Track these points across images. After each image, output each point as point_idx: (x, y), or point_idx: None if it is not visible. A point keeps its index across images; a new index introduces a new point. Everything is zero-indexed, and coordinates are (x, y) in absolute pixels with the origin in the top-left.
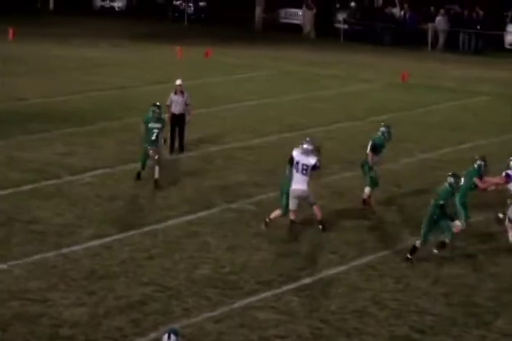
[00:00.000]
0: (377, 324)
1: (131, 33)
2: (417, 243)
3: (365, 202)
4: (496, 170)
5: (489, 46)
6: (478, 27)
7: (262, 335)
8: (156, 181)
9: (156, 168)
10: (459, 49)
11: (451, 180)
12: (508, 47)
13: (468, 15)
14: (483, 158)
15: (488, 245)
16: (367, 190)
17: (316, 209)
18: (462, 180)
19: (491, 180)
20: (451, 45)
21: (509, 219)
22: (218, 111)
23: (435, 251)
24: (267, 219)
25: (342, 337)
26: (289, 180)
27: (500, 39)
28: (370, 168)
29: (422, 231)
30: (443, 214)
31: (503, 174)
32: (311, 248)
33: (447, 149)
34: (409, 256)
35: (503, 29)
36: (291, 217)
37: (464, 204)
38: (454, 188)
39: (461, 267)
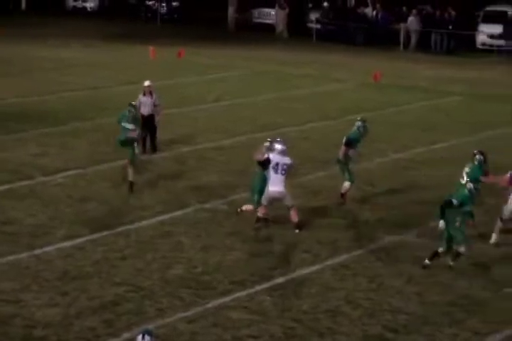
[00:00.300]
0: (350, 323)
1: (104, 33)
2: (461, 249)
3: (343, 195)
4: None
5: (461, 46)
6: (450, 27)
7: (235, 335)
8: (131, 184)
9: (130, 170)
10: (431, 49)
11: (470, 185)
12: (479, 47)
13: (440, 16)
14: (481, 152)
15: None
16: (346, 184)
17: (293, 212)
18: (465, 177)
19: (494, 179)
20: (424, 45)
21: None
22: (191, 112)
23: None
24: (238, 210)
25: (315, 337)
26: (260, 178)
27: (472, 39)
28: (345, 163)
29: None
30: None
31: (508, 174)
32: (285, 247)
33: (420, 149)
34: (451, 264)
35: (475, 29)
36: (259, 213)
37: None
38: (473, 194)
39: (434, 266)
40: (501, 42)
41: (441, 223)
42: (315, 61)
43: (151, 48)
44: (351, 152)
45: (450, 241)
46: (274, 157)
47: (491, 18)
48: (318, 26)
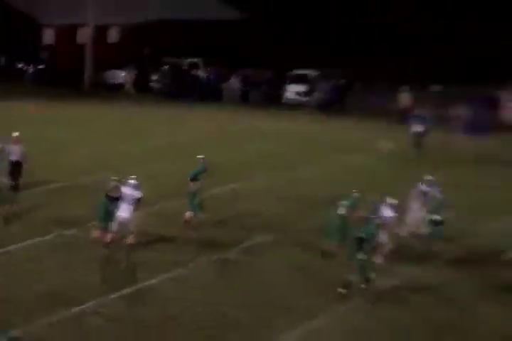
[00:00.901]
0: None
1: None
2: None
3: (186, 222)
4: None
5: (273, 101)
6: (265, 86)
7: (92, 339)
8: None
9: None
10: (249, 103)
11: (379, 220)
12: (287, 102)
13: (257, 77)
14: (357, 192)
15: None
16: (188, 213)
17: (131, 238)
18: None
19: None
20: (244, 100)
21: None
22: (57, 155)
23: (363, 285)
24: (91, 237)
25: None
26: (103, 207)
27: (282, 96)
28: (194, 196)
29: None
30: (360, 248)
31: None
32: (132, 266)
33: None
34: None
35: (285, 88)
36: (107, 239)
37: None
38: (379, 227)
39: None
40: (305, 98)
41: (362, 255)
42: (158, 114)
43: (19, 104)
44: (196, 184)
45: (362, 269)
46: (126, 189)
47: (297, 79)
48: (159, 85)
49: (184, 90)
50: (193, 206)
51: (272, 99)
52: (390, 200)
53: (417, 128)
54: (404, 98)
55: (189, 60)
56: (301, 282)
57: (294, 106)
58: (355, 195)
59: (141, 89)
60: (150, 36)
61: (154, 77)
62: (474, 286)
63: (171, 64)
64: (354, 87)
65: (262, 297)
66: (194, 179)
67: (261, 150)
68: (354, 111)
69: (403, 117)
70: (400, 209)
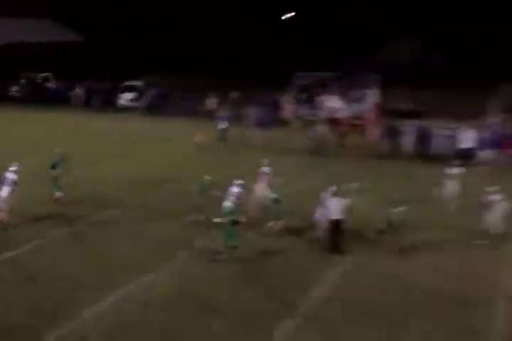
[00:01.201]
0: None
1: None
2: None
3: (56, 201)
4: None
5: (110, 106)
6: (103, 94)
7: None
8: None
9: None
10: (92, 108)
11: (234, 200)
12: (120, 107)
13: (97, 87)
14: (207, 177)
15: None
16: (58, 193)
17: (8, 213)
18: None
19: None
20: (86, 105)
21: None
22: None
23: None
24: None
25: None
26: None
27: (116, 102)
28: (55, 180)
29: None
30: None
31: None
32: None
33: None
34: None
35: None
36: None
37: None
38: (237, 206)
39: None
40: (135, 103)
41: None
42: (16, 117)
43: None
44: (56, 172)
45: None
46: (9, 174)
47: (128, 88)
48: (18, 94)
49: (38, 98)
50: (59, 188)
51: (109, 105)
52: (236, 181)
53: (222, 125)
54: (211, 102)
55: (42, 74)
56: (144, 247)
57: (127, 109)
58: (207, 178)
59: (2, 98)
60: (10, 55)
61: (14, 88)
62: (310, 249)
63: (27, 78)
64: (174, 93)
65: (108, 262)
66: (53, 167)
67: (99, 145)
68: (174, 113)
69: (210, 117)
70: (245, 189)
